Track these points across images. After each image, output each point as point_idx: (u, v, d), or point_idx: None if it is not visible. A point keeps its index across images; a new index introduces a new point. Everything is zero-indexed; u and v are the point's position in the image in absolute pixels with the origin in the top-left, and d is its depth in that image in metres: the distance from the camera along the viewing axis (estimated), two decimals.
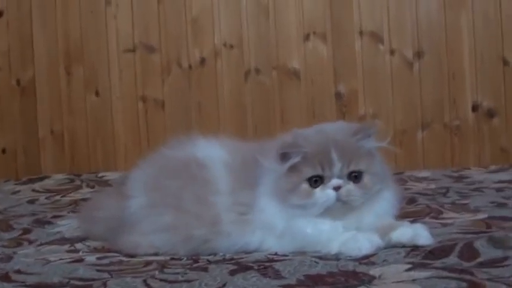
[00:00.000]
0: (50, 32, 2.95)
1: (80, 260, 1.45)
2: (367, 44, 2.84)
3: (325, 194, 1.36)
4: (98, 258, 1.46)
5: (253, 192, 1.41)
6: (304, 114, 2.86)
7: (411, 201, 1.93)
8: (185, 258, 1.42)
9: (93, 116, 2.95)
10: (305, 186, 1.37)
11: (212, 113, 2.89)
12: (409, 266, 1.25)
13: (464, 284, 1.12)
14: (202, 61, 2.90)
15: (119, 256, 1.47)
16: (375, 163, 1.41)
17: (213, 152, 1.50)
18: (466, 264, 1.25)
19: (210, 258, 1.41)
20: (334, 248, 1.36)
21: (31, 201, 2.33)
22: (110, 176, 2.68)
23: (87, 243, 1.63)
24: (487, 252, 1.30)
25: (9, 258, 1.50)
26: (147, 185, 1.52)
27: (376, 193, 1.41)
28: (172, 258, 1.42)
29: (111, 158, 2.93)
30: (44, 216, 2.03)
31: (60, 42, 2.94)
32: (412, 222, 1.49)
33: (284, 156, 1.38)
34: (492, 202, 1.86)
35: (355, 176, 1.38)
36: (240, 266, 1.32)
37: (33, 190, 2.53)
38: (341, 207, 1.38)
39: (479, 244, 1.34)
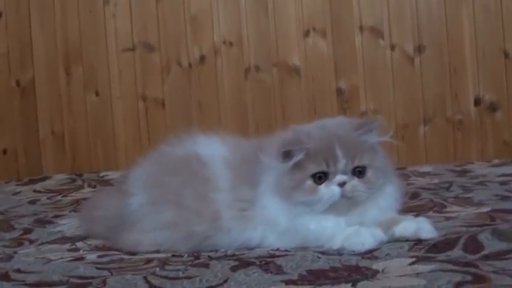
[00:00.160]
0: (49, 33, 2.94)
1: (81, 259, 1.45)
2: (367, 39, 2.83)
3: (330, 190, 1.35)
4: (99, 257, 1.46)
5: (253, 188, 1.40)
6: (305, 111, 2.84)
7: (414, 195, 1.92)
8: (186, 255, 1.41)
9: (93, 115, 2.94)
10: (309, 182, 1.36)
11: (213, 111, 2.88)
12: (413, 259, 1.24)
13: (469, 277, 1.11)
14: (202, 59, 2.89)
15: (119, 254, 1.46)
16: (378, 158, 1.40)
17: (213, 149, 1.49)
18: (470, 257, 1.24)
19: (211, 254, 1.40)
20: (337, 243, 1.35)
21: (32, 202, 2.33)
22: (111, 175, 2.68)
23: (88, 242, 1.62)
24: (491, 244, 1.29)
25: (9, 257, 1.50)
26: (147, 183, 1.51)
27: (379, 188, 1.40)
28: (173, 255, 1.42)
29: (112, 157, 2.92)
30: (45, 216, 2.03)
31: (59, 43, 2.94)
32: (416, 216, 1.48)
33: (287, 154, 1.36)
34: (496, 195, 1.85)
35: (359, 171, 1.37)
36: (241, 261, 1.31)
37: (35, 191, 2.53)
38: (345, 203, 1.37)
39: (484, 237, 1.33)
